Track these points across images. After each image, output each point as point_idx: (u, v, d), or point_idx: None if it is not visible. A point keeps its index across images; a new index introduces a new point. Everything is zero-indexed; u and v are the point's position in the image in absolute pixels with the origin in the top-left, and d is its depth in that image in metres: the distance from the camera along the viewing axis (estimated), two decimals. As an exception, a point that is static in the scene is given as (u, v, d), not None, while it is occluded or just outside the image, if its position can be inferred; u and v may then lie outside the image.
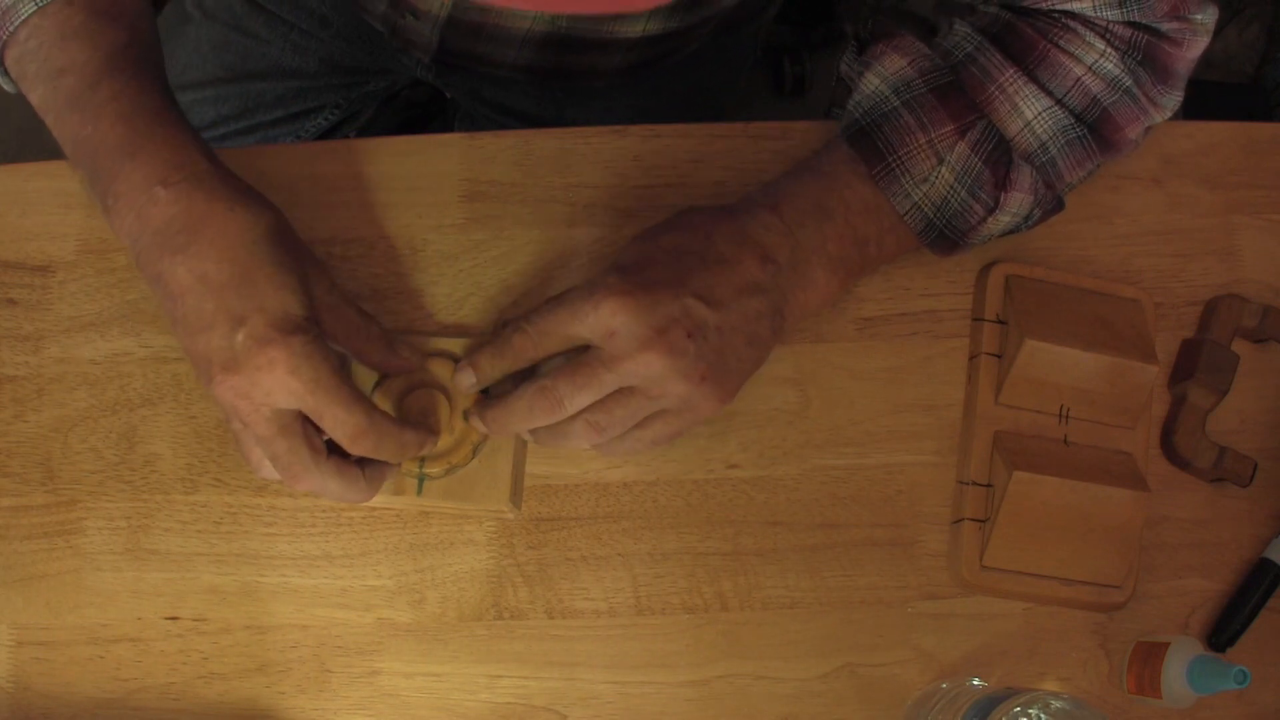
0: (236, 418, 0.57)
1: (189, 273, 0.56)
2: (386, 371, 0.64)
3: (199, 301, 0.56)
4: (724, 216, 0.64)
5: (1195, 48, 0.65)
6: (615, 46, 0.83)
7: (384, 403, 0.65)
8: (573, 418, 0.61)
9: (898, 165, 0.64)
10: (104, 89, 0.59)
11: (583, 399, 0.60)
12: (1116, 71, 0.64)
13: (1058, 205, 0.67)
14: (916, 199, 0.65)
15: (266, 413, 0.56)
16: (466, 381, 0.63)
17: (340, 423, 0.57)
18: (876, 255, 0.67)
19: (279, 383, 0.55)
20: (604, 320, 0.59)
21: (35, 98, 0.60)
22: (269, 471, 0.60)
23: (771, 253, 0.63)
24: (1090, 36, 0.64)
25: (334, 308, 0.60)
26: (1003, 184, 0.64)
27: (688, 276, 0.61)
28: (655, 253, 0.62)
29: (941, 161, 0.64)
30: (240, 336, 0.55)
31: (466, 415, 0.65)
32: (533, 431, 0.63)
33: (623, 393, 0.60)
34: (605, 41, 0.82)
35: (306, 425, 0.57)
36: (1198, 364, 0.70)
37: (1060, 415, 0.69)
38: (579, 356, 0.60)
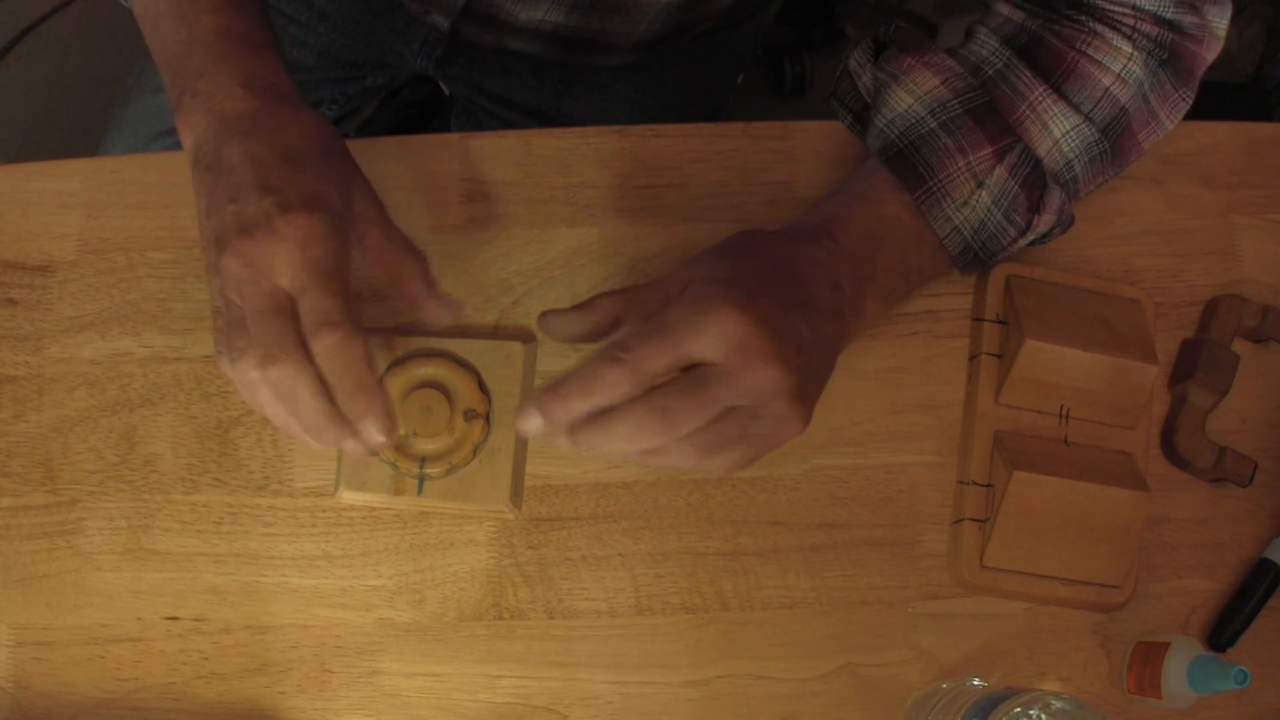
0: (236, 292, 0.55)
1: (243, 151, 0.57)
2: (422, 315, 0.60)
3: (241, 176, 0.56)
4: (790, 241, 0.62)
5: (1211, 49, 0.65)
6: (642, 13, 0.82)
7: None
8: (678, 440, 0.56)
9: (939, 189, 0.64)
10: (204, 1, 0.61)
11: (698, 420, 0.55)
12: (1142, 75, 0.65)
13: (1070, 221, 0.67)
14: (957, 222, 0.65)
15: (266, 286, 0.54)
16: (531, 428, 0.55)
17: (319, 306, 0.54)
18: (916, 282, 0.67)
19: (286, 252, 0.54)
20: (729, 332, 0.54)
21: (138, 4, 0.64)
22: (244, 367, 0.55)
23: (839, 280, 0.62)
24: (1117, 40, 0.64)
25: (381, 224, 0.59)
26: (1036, 207, 0.64)
27: (786, 293, 0.58)
28: (747, 269, 0.58)
29: (981, 185, 0.64)
30: (268, 201, 0.55)
31: (466, 415, 0.65)
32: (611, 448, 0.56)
33: (730, 411, 0.56)
34: (636, 4, 0.81)
35: (298, 319, 0.55)
36: (1198, 364, 0.70)
37: (1060, 415, 0.69)
38: (692, 373, 0.55)
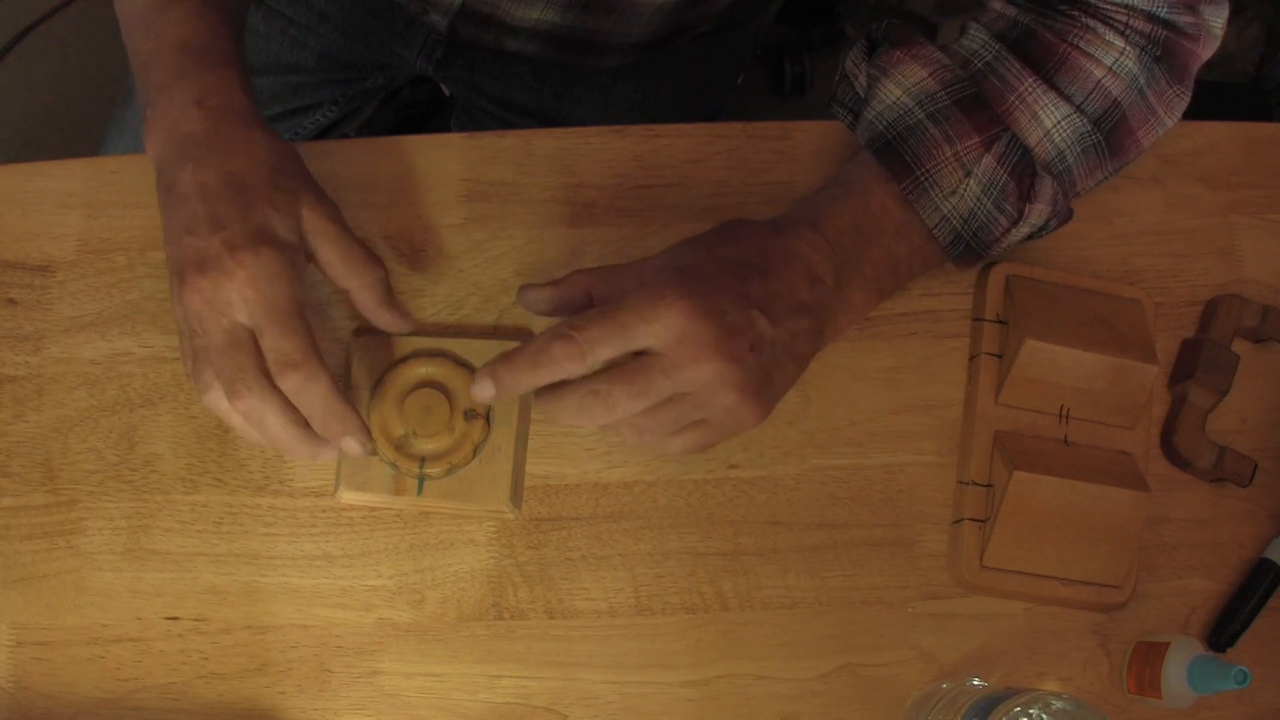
0: (198, 325, 0.58)
1: (193, 179, 0.59)
2: (375, 323, 0.64)
3: (194, 207, 0.59)
4: (773, 232, 0.63)
5: (1207, 48, 0.66)
6: (637, 13, 0.82)
7: (385, 401, 0.65)
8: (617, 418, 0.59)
9: (926, 178, 0.64)
10: (172, 13, 0.63)
11: (636, 405, 0.58)
12: (1135, 70, 0.65)
13: (1068, 214, 0.67)
14: (945, 211, 0.65)
15: (225, 323, 0.57)
16: (484, 395, 0.59)
17: (277, 347, 0.57)
18: (906, 274, 0.67)
19: (239, 290, 0.57)
20: (674, 324, 0.56)
21: (116, 7, 0.65)
22: (214, 398, 0.59)
23: (819, 273, 0.62)
24: (1110, 35, 0.64)
25: (335, 238, 0.61)
26: (1027, 196, 0.64)
27: (748, 288, 0.59)
28: (713, 260, 0.60)
29: (969, 174, 0.64)
30: (217, 240, 0.57)
31: (466, 415, 0.65)
32: (558, 417, 0.59)
33: (673, 398, 0.59)
34: (631, 4, 0.81)
35: (260, 351, 0.57)
36: (1198, 364, 0.70)
37: (1060, 415, 0.69)
38: (634, 361, 0.57)
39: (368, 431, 0.59)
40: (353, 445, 0.59)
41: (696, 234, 0.63)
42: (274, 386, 0.57)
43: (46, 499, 0.67)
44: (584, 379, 0.58)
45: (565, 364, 0.57)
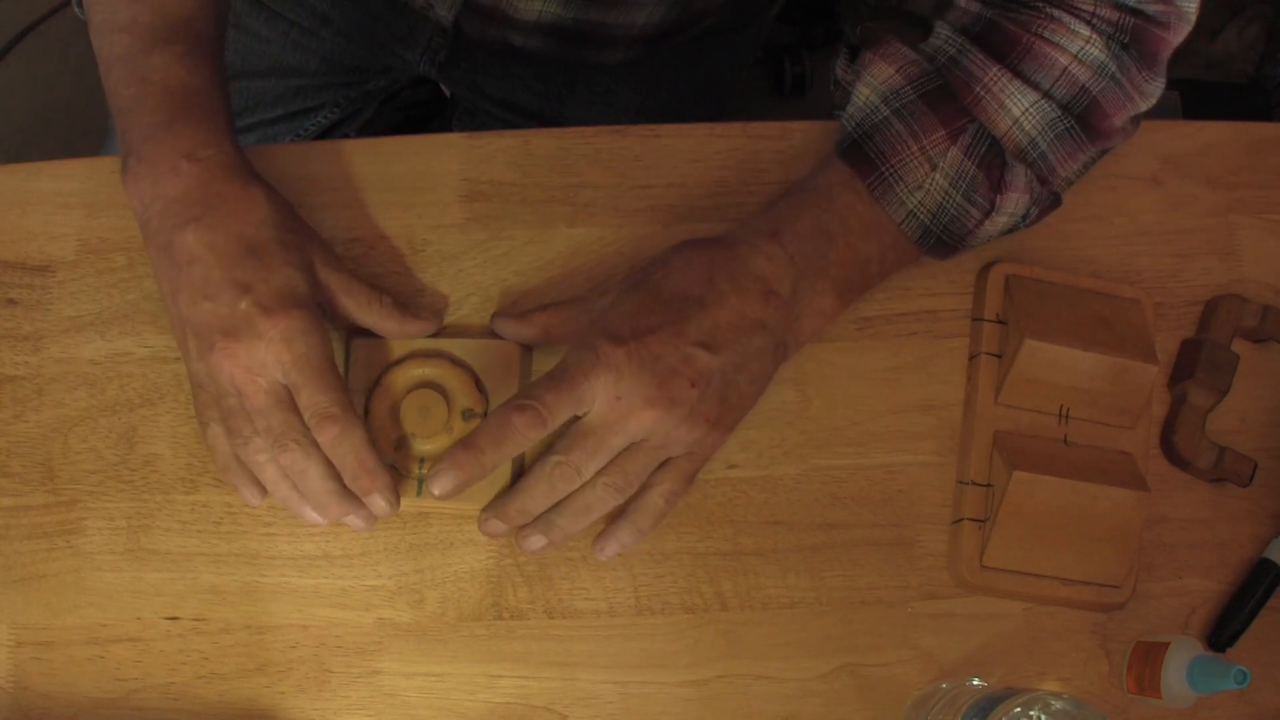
0: (231, 387, 0.59)
1: (199, 241, 0.59)
2: (407, 336, 0.66)
3: (206, 270, 0.59)
4: (723, 252, 0.64)
5: (1179, 33, 0.65)
6: (640, 3, 0.82)
7: (384, 402, 0.65)
8: (591, 485, 0.62)
9: (890, 174, 0.64)
10: (156, 57, 0.62)
11: (596, 464, 0.61)
12: (1103, 57, 0.64)
13: (1055, 201, 0.67)
14: (911, 206, 0.65)
15: (263, 384, 0.58)
16: (446, 488, 0.59)
17: (314, 402, 0.58)
18: (878, 272, 0.67)
19: (274, 353, 0.58)
20: (609, 383, 0.59)
21: (94, 43, 0.64)
22: (254, 450, 0.60)
23: (774, 286, 0.63)
24: (1075, 24, 0.64)
25: (344, 285, 0.64)
26: (998, 186, 0.64)
27: (687, 324, 0.61)
28: (653, 301, 0.62)
29: (935, 168, 0.64)
30: (244, 304, 0.58)
31: (465, 415, 0.65)
32: (556, 522, 0.63)
33: (632, 448, 0.61)
34: None
35: (297, 408, 0.59)
36: (1198, 364, 0.70)
37: (1060, 415, 0.69)
38: (580, 425, 0.61)
39: (395, 492, 0.60)
40: (380, 504, 0.60)
41: (649, 262, 0.65)
42: (315, 443, 0.59)
43: (46, 499, 0.67)
44: (538, 464, 0.61)
45: (528, 432, 0.58)
